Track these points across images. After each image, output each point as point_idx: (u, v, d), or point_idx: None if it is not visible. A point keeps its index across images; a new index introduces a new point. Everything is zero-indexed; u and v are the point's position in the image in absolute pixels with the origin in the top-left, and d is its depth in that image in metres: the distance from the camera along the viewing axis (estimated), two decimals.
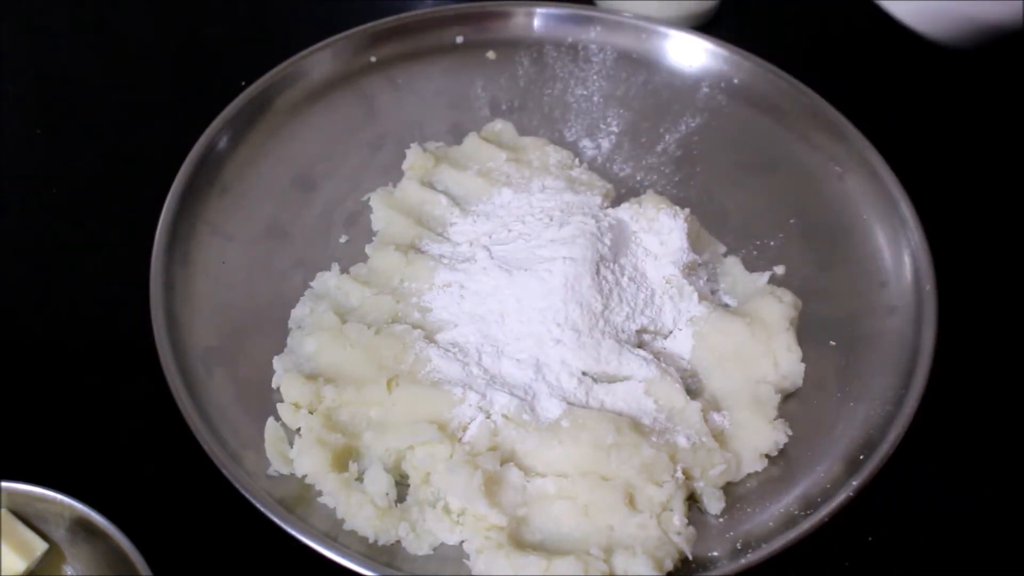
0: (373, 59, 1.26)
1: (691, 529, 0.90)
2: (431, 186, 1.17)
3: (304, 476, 0.92)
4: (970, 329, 1.11)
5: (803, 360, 1.02)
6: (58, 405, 1.04)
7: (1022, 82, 1.45)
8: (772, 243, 1.15)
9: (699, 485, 0.94)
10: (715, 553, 0.90)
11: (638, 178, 1.22)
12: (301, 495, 0.92)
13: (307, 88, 1.22)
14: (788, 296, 1.06)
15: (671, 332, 1.05)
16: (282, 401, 0.97)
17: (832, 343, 1.05)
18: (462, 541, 0.90)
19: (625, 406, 0.97)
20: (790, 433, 0.97)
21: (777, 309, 1.04)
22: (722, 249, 1.15)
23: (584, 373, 0.99)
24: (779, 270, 1.12)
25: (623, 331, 1.02)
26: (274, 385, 0.99)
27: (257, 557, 0.94)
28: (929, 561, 0.99)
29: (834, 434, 0.97)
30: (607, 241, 1.05)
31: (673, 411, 0.97)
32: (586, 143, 1.25)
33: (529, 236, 1.07)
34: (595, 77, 1.29)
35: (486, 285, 1.04)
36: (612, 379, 0.99)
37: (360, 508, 0.90)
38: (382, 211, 1.14)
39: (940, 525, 1.01)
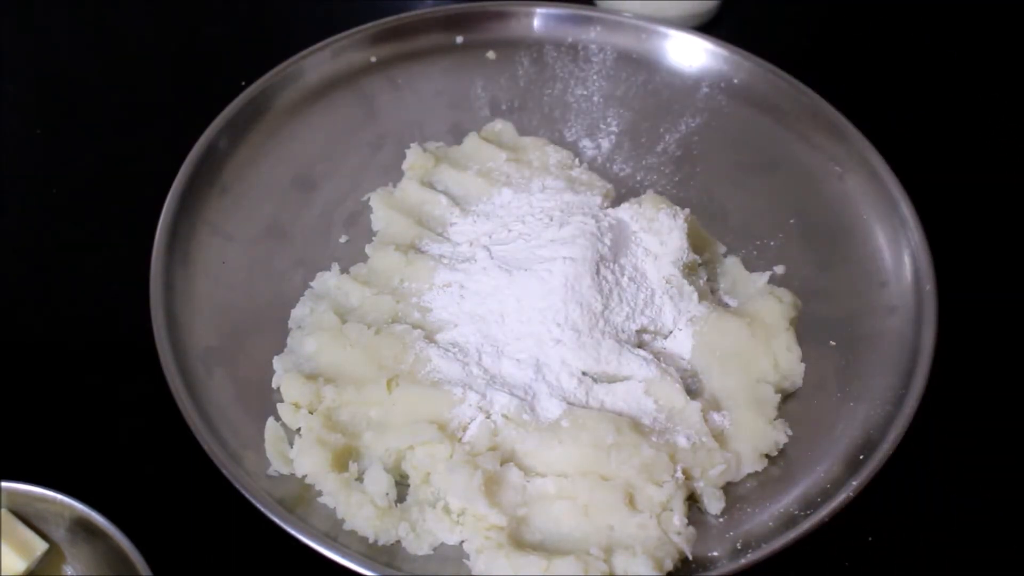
0: (373, 59, 1.26)
1: (691, 529, 0.90)
2: (431, 186, 1.17)
3: (304, 476, 0.92)
4: (970, 329, 1.11)
5: (803, 360, 1.02)
6: (58, 405, 1.04)
7: (1022, 82, 1.45)
8: (772, 243, 1.15)
9: (699, 485, 0.94)
10: (715, 553, 0.89)
11: (638, 178, 1.22)
12: (301, 495, 0.92)
13: (307, 88, 1.22)
14: (788, 296, 1.06)
15: (671, 332, 1.05)
16: (282, 401, 0.97)
17: (832, 343, 1.05)
18: (462, 541, 0.90)
19: (625, 406, 0.97)
20: (790, 433, 0.97)
21: (777, 309, 1.04)
22: (722, 249, 1.14)
23: (584, 373, 0.99)
24: (779, 270, 1.12)
25: (623, 331, 1.02)
26: (274, 385, 0.99)
27: (257, 557, 0.94)
28: (929, 561, 0.99)
29: (834, 434, 0.97)
30: (607, 241, 1.05)
31: (673, 411, 0.97)
32: (586, 143, 1.25)
33: (529, 236, 1.07)
34: (595, 77, 1.29)
35: (486, 285, 1.04)
36: (612, 379, 0.99)
37: (360, 508, 0.90)
38: (382, 211, 1.14)
39: (940, 525, 1.01)
